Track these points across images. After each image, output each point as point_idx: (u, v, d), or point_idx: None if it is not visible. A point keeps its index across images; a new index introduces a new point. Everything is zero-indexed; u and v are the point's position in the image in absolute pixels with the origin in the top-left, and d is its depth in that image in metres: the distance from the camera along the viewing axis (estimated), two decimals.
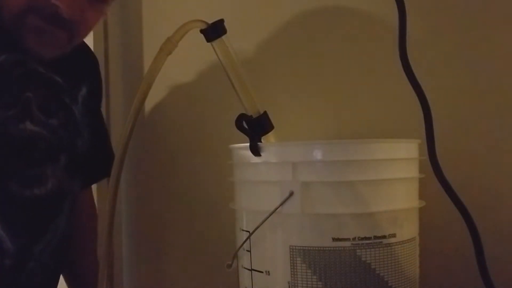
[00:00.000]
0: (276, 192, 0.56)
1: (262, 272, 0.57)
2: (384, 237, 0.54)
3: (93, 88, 0.83)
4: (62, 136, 0.75)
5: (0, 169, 0.68)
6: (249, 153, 0.59)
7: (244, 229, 0.60)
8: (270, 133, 0.64)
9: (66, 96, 0.76)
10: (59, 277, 0.82)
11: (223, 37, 0.64)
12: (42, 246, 0.73)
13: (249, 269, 0.59)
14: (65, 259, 0.81)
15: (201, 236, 0.96)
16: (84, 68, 0.83)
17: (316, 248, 0.53)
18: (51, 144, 0.73)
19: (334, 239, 0.53)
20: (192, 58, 0.96)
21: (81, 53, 0.83)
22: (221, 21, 0.64)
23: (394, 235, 0.54)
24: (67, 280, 0.87)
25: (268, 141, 0.64)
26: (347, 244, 0.53)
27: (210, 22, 0.64)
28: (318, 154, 0.55)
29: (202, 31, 0.65)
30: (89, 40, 0.99)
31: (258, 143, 0.59)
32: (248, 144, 0.59)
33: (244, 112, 0.63)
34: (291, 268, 0.55)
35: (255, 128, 0.62)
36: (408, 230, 0.56)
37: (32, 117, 0.70)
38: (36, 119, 0.71)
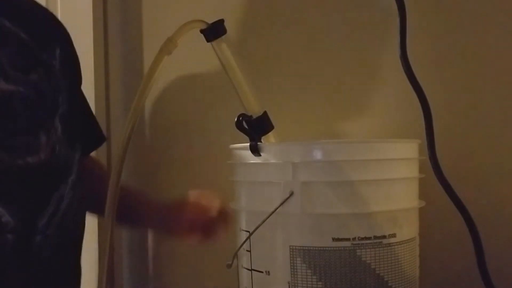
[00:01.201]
0: (276, 192, 0.56)
1: (262, 272, 0.57)
2: (384, 237, 0.54)
3: (66, 52, 0.77)
4: (45, 93, 0.71)
5: None
6: (249, 153, 0.59)
7: (244, 229, 0.60)
8: (270, 133, 0.64)
9: (43, 52, 0.72)
10: (78, 251, 0.78)
11: (223, 37, 0.64)
12: (46, 219, 0.70)
13: (249, 269, 0.59)
14: (78, 232, 0.78)
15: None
16: (52, 29, 0.77)
17: (316, 248, 0.53)
18: (35, 104, 0.69)
19: (334, 239, 0.53)
20: (192, 58, 0.96)
21: (45, 15, 0.79)
22: (221, 21, 0.64)
23: (394, 235, 0.54)
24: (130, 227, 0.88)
25: (268, 141, 0.64)
26: (347, 244, 0.53)
27: (210, 22, 0.64)
28: (318, 154, 0.55)
29: (202, 31, 0.65)
30: (89, 40, 1.00)
31: (258, 143, 0.59)
32: (248, 144, 0.59)
33: (244, 112, 0.63)
34: (291, 268, 0.55)
35: (255, 128, 0.62)
36: (408, 230, 0.56)
37: (6, 75, 0.66)
38: (12, 77, 0.67)
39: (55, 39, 0.76)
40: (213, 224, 0.79)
